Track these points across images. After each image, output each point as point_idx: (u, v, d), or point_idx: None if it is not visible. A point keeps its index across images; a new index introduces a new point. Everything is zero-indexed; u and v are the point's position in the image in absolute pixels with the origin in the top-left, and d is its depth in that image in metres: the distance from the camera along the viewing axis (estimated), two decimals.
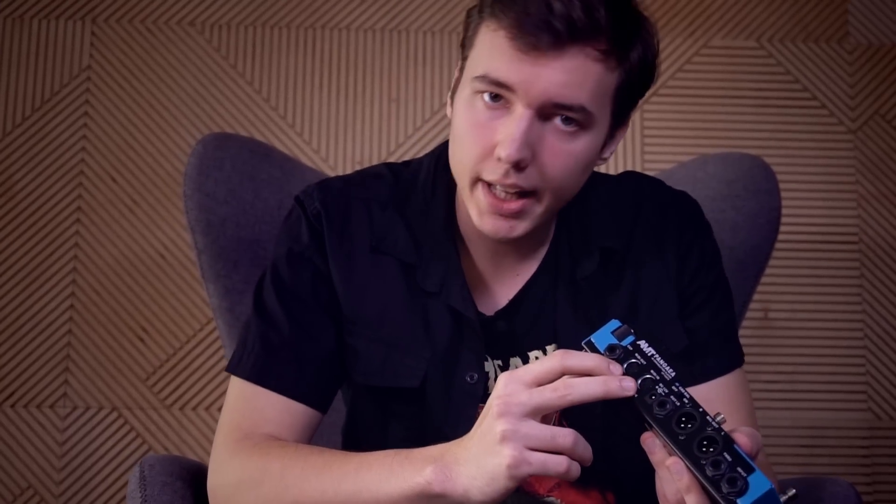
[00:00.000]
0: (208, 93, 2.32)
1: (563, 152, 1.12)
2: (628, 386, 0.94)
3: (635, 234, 1.29)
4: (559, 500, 1.26)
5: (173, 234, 2.25)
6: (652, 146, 2.36)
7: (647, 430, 0.98)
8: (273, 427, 1.18)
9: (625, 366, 0.96)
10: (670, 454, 0.92)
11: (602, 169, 1.33)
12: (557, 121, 1.11)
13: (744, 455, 0.87)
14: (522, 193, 1.12)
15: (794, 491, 0.87)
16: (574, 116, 1.10)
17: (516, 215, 1.13)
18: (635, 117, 2.36)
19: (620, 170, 2.28)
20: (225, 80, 2.32)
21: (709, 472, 0.87)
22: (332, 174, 1.78)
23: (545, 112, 1.10)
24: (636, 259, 1.27)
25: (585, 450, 0.96)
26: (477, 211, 1.15)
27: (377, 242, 1.26)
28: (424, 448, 1.03)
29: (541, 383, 0.96)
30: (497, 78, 1.09)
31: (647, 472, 1.22)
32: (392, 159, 2.30)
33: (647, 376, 0.94)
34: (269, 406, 1.18)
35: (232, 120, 2.30)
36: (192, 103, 2.31)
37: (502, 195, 1.12)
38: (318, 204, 1.27)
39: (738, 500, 0.84)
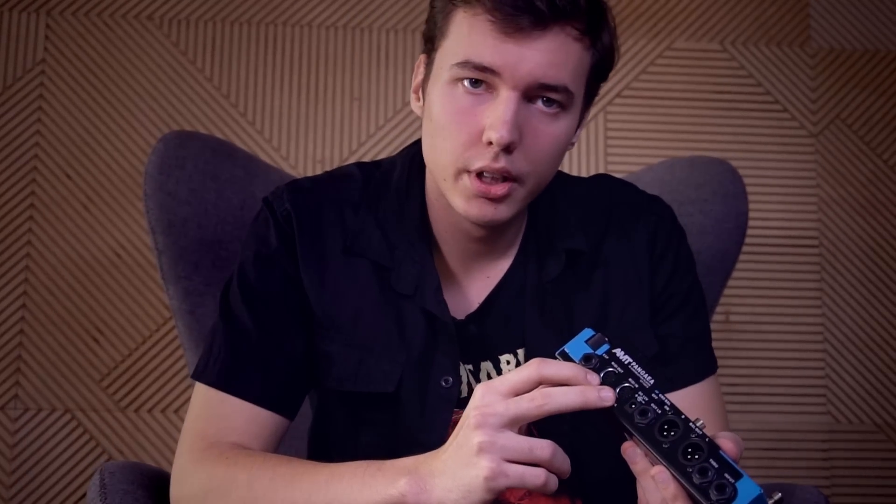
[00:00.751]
0: (167, 89, 2.27)
1: (547, 134, 1.11)
2: (607, 396, 0.92)
3: (606, 237, 1.27)
4: None
5: (129, 234, 2.20)
6: (615, 147, 2.35)
7: (625, 439, 0.97)
8: (239, 435, 1.15)
9: (602, 375, 0.94)
10: (654, 463, 0.91)
11: (565, 171, 1.32)
12: (540, 103, 1.10)
13: (730, 461, 0.86)
14: (507, 177, 1.11)
15: (779, 495, 0.86)
16: (557, 97, 1.10)
17: (501, 199, 1.12)
18: (598, 118, 2.36)
19: (583, 171, 2.28)
20: (184, 77, 2.28)
21: (696, 479, 0.85)
22: (293, 173, 1.75)
23: (529, 93, 1.09)
24: (607, 263, 1.26)
25: (563, 462, 0.94)
26: (463, 198, 1.13)
27: (350, 244, 1.23)
28: (397, 460, 1.01)
29: (517, 393, 0.94)
30: (481, 62, 1.08)
31: (615, 478, 1.21)
32: (354, 159, 2.28)
33: (626, 385, 0.93)
34: (235, 413, 1.15)
35: (191, 117, 2.26)
36: (150, 100, 2.26)
37: (489, 180, 1.10)
38: (289, 205, 1.24)
39: None
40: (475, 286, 1.25)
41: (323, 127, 2.29)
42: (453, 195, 1.14)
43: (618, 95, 2.37)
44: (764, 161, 2.36)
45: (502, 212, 1.13)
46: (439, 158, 1.14)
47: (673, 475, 0.87)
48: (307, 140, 2.28)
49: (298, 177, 1.80)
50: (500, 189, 1.11)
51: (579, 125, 1.19)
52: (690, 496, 0.87)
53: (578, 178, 1.35)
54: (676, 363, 1.24)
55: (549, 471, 0.93)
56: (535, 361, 0.95)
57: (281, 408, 1.18)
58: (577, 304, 1.24)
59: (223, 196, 1.59)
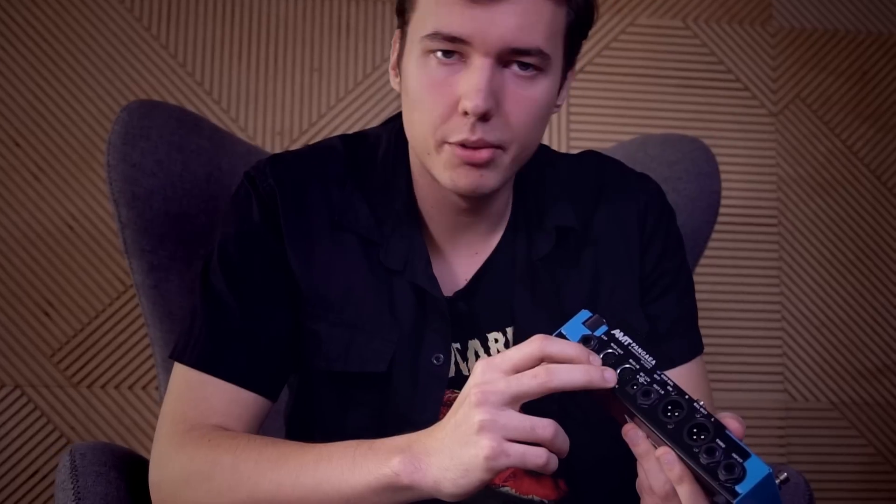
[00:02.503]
0: (122, 57, 2.20)
1: (525, 98, 1.09)
2: (610, 377, 0.91)
3: (596, 215, 1.26)
4: (513, 490, 1.23)
5: (82, 204, 2.14)
6: (577, 123, 2.33)
7: (619, 422, 0.95)
8: (221, 417, 1.11)
9: (601, 356, 0.93)
10: (657, 445, 0.89)
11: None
12: (515, 67, 1.08)
13: (737, 440, 0.85)
14: (489, 145, 1.08)
15: (785, 474, 0.86)
16: (531, 61, 1.08)
17: (486, 164, 1.09)
18: None
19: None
20: (139, 45, 2.21)
21: (703, 460, 0.84)
22: (252, 145, 1.71)
23: (503, 59, 1.07)
24: (597, 241, 1.24)
25: (564, 442, 0.93)
26: (447, 168, 1.10)
27: (338, 219, 1.20)
28: (388, 438, 0.99)
29: (519, 370, 0.92)
30: (450, 32, 1.05)
31: (600, 460, 1.20)
32: (313, 131, 2.23)
33: (627, 366, 0.92)
34: (216, 395, 1.12)
35: (146, 86, 2.19)
36: (104, 67, 2.19)
37: (471, 147, 1.08)
38: (272, 180, 1.20)
39: (737, 487, 0.82)
40: (463, 262, 1.23)
41: (282, 98, 2.24)
42: (437, 168, 1.11)
43: (580, 71, 2.35)
44: (724, 139, 2.36)
45: (488, 178, 1.10)
46: (418, 132, 1.11)
47: (679, 456, 0.86)
48: (266, 111, 2.23)
49: (263, 149, 1.76)
50: (483, 154, 1.08)
51: (562, 86, 1.17)
52: (697, 477, 0.86)
53: (566, 155, 1.33)
54: (666, 343, 1.23)
55: (550, 450, 0.92)
56: (537, 338, 0.93)
57: (264, 389, 1.14)
58: (566, 282, 1.22)
59: (189, 168, 1.55)
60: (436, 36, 1.06)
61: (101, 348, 2.10)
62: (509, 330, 1.22)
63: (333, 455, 0.99)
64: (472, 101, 1.04)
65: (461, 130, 1.07)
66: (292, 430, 1.30)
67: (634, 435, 0.91)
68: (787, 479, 0.86)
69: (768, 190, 2.37)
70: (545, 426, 0.91)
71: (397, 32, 1.17)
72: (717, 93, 2.40)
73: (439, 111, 1.08)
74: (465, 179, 1.10)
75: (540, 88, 1.10)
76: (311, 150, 1.26)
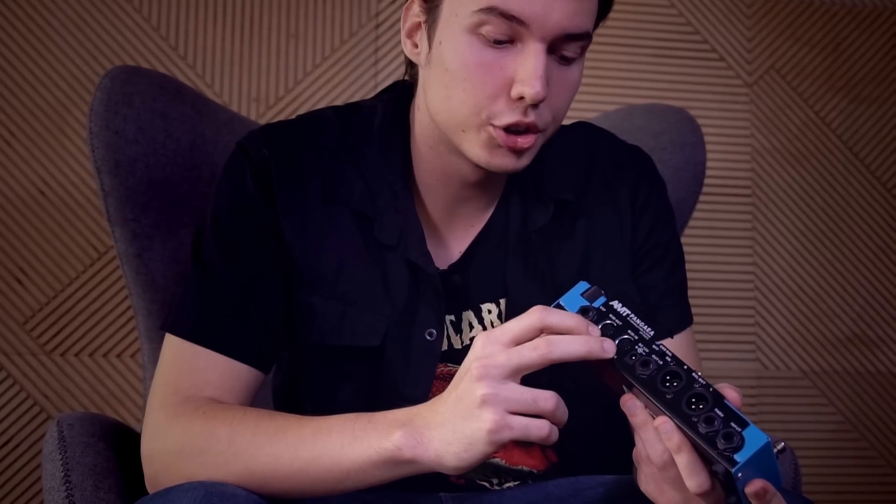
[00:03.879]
0: (94, 20, 2.15)
1: (567, 82, 1.09)
2: (609, 348, 0.91)
3: (589, 187, 1.26)
4: (503, 461, 1.24)
5: (54, 170, 2.10)
6: None
7: (615, 394, 0.95)
8: (214, 389, 1.10)
9: (599, 327, 0.93)
10: (656, 415, 0.89)
11: None
12: (561, 52, 1.07)
13: (735, 410, 0.85)
14: (533, 129, 1.08)
15: (783, 444, 0.86)
16: (578, 48, 1.08)
17: (525, 150, 1.09)
18: None
19: None
20: (111, 6, 2.16)
21: (702, 429, 0.84)
22: (234, 112, 1.68)
23: (554, 45, 1.06)
24: (589, 213, 1.24)
25: (564, 413, 0.93)
26: (485, 148, 1.09)
27: (332, 192, 1.19)
28: (388, 412, 0.98)
29: (518, 342, 0.92)
30: (508, 10, 1.03)
31: (590, 432, 1.21)
32: (290, 97, 2.21)
33: (625, 337, 0.92)
34: (210, 367, 1.11)
35: (120, 50, 2.15)
36: (75, 30, 2.14)
37: (514, 133, 1.08)
38: (266, 151, 1.18)
39: (735, 456, 0.82)
40: (457, 234, 1.23)
41: (258, 64, 2.21)
42: (472, 145, 1.10)
43: None
44: (699, 109, 2.37)
45: (523, 161, 1.11)
46: (457, 110, 1.09)
47: (678, 425, 0.86)
48: (241, 77, 2.20)
49: (245, 117, 1.74)
50: (527, 141, 1.08)
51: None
52: (696, 446, 0.86)
53: (560, 126, 1.33)
54: (657, 314, 1.24)
55: (552, 421, 0.92)
56: (536, 309, 0.92)
57: (257, 361, 1.13)
58: (559, 254, 1.22)
59: (172, 136, 1.53)
60: (492, 11, 1.03)
61: (74, 315, 2.07)
62: (502, 301, 1.22)
63: (333, 428, 0.99)
64: (533, 87, 1.03)
65: (513, 114, 1.06)
66: (280, 404, 1.29)
67: (632, 405, 0.91)
68: (783, 449, 0.86)
69: (743, 160, 2.38)
70: (547, 398, 0.91)
71: (413, 1, 1.15)
72: (693, 63, 2.40)
73: (488, 92, 1.06)
74: (500, 160, 1.10)
75: (577, 71, 1.10)
76: (303, 121, 1.25)
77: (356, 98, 2.20)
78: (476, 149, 1.10)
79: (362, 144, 1.21)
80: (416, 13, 1.15)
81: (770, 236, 2.38)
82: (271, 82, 2.21)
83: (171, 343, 1.13)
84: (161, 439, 1.06)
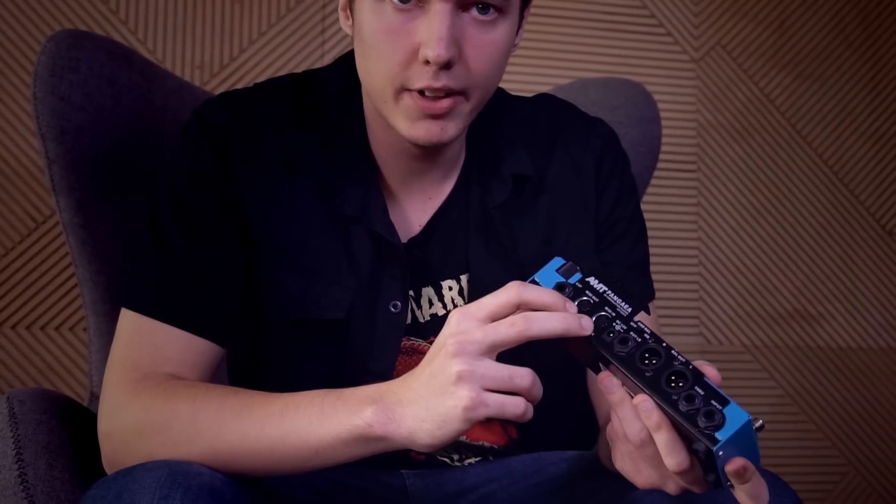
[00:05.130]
0: None
1: (486, 42, 1.06)
2: (587, 325, 0.89)
3: (551, 161, 1.24)
4: (464, 437, 1.22)
5: None
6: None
7: (585, 370, 0.94)
8: (175, 365, 1.07)
9: (576, 304, 0.92)
10: (634, 392, 0.88)
11: None
12: (474, 11, 1.04)
13: (715, 388, 0.84)
14: (451, 93, 1.05)
15: (761, 421, 0.85)
16: (493, 2, 1.04)
17: (446, 115, 1.06)
18: None
19: None
20: None
21: (682, 407, 0.83)
22: (183, 80, 1.64)
23: (462, 3, 1.03)
24: (553, 187, 1.23)
25: (539, 390, 0.91)
26: (406, 119, 1.07)
27: (293, 163, 1.15)
28: (357, 388, 0.96)
29: (495, 318, 0.90)
30: None
31: (551, 406, 1.19)
32: (235, 65, 2.16)
33: (602, 314, 0.90)
34: (169, 342, 1.07)
35: (56, 12, 2.08)
36: None
37: (431, 96, 1.05)
38: (224, 122, 1.15)
39: (717, 434, 0.81)
40: (416, 208, 1.20)
41: (202, 30, 2.16)
42: (396, 117, 1.08)
43: None
44: (648, 85, 2.35)
45: (449, 129, 1.08)
46: (374, 80, 1.07)
47: (657, 403, 0.85)
48: (185, 43, 2.15)
49: (192, 83, 1.70)
50: (444, 104, 1.05)
51: (519, 26, 1.14)
52: (675, 424, 0.85)
53: (521, 98, 1.31)
54: None
55: (528, 398, 0.90)
56: (513, 285, 0.90)
57: (218, 336, 1.10)
58: (521, 229, 1.21)
59: (120, 103, 1.48)
60: None
61: (9, 288, 2.01)
62: (463, 277, 1.20)
63: (301, 405, 0.96)
64: (434, 50, 1.01)
65: (423, 78, 1.03)
66: (238, 380, 1.26)
67: (609, 383, 0.90)
68: (762, 426, 0.86)
69: (689, 136, 2.39)
70: (523, 375, 0.89)
71: None
72: (641, 38, 2.40)
73: (398, 58, 1.04)
74: (424, 131, 1.07)
75: (500, 31, 1.07)
76: (261, 89, 1.21)
77: (303, 68, 2.17)
78: (400, 121, 1.08)
79: (319, 115, 1.19)
80: None
81: (714, 212, 2.39)
82: (216, 49, 2.16)
83: (128, 318, 1.09)
84: (120, 417, 1.03)
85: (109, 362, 1.08)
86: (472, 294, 1.19)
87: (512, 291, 0.90)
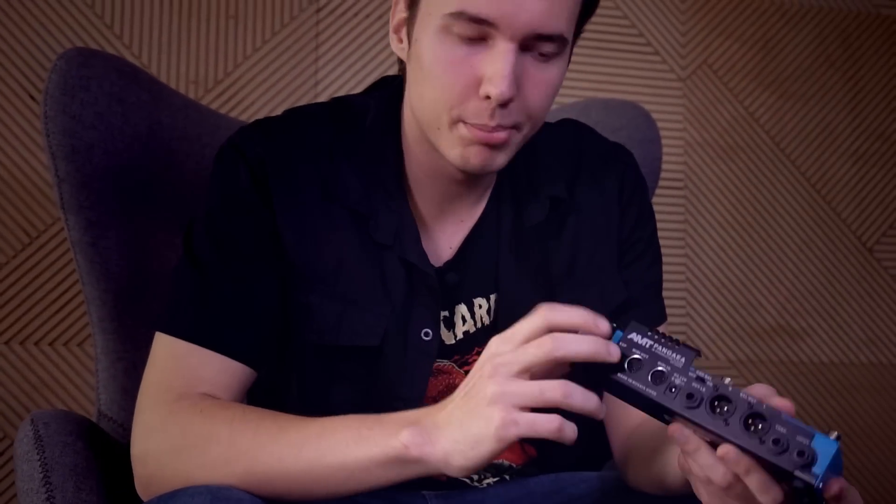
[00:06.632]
0: None
1: (543, 80, 1.08)
2: (615, 352, 0.90)
3: (577, 183, 1.27)
4: None
5: None
6: None
7: (665, 419, 0.92)
8: (208, 387, 1.07)
9: (626, 364, 0.91)
10: (711, 440, 0.87)
11: None
12: (535, 51, 1.07)
13: (796, 422, 0.84)
14: (505, 127, 1.08)
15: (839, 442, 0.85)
16: (552, 48, 1.07)
17: (500, 146, 1.09)
18: None
19: None
20: None
21: (771, 450, 0.83)
22: (188, 98, 1.64)
23: (525, 44, 1.05)
24: (578, 208, 1.26)
25: (580, 400, 0.89)
26: (459, 145, 1.09)
27: (329, 190, 1.17)
28: (394, 413, 0.97)
29: (529, 342, 0.91)
30: (476, 14, 1.02)
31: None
32: (229, 80, 2.16)
33: (658, 370, 0.89)
34: (204, 365, 1.08)
35: (50, 25, 2.07)
36: (2, 2, 2.05)
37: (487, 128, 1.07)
38: (261, 149, 1.16)
39: (814, 469, 0.81)
40: (449, 231, 1.22)
41: (196, 45, 2.16)
42: (447, 145, 1.09)
43: None
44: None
45: (499, 158, 1.10)
46: (429, 108, 1.09)
47: (744, 451, 0.84)
48: (179, 58, 2.15)
49: (197, 101, 1.70)
50: (501, 135, 1.08)
51: (569, 59, 1.16)
52: (766, 466, 0.84)
53: (546, 123, 1.33)
54: (635, 309, 1.25)
55: (571, 410, 0.89)
56: (543, 307, 0.91)
57: (252, 359, 1.11)
58: (551, 249, 1.23)
59: (130, 121, 1.48)
60: (460, 15, 1.03)
61: (4, 302, 2.00)
62: (493, 296, 1.22)
63: (338, 428, 0.97)
64: (498, 87, 1.03)
65: (480, 115, 1.06)
66: (257, 401, 1.26)
67: (682, 435, 0.89)
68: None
69: (676, 153, 2.42)
70: (553, 387, 0.88)
71: None
72: (629, 56, 2.43)
73: (458, 90, 1.06)
74: (476, 158, 1.09)
75: (556, 69, 1.09)
76: (294, 117, 1.23)
77: (297, 83, 2.17)
78: (450, 147, 1.09)
79: (355, 141, 1.20)
80: (401, 9, 1.14)
81: (701, 228, 2.43)
82: (210, 64, 2.16)
83: (163, 341, 1.10)
84: (156, 438, 1.03)
85: (143, 385, 1.08)
86: (501, 312, 1.21)
87: (539, 314, 0.91)
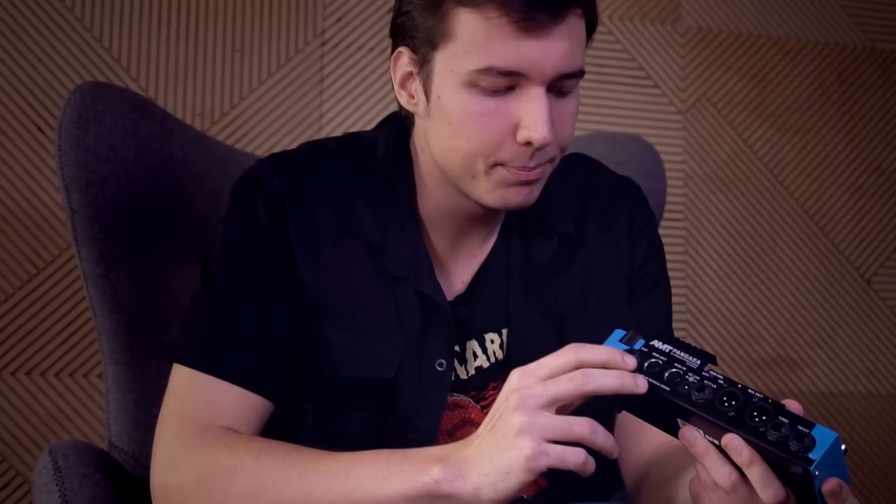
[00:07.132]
0: (31, 26, 2.09)
1: (567, 113, 1.12)
2: (641, 384, 0.92)
3: (586, 218, 1.29)
4: None
5: None
6: None
7: (675, 430, 0.96)
8: (229, 420, 1.08)
9: (646, 366, 0.95)
10: (719, 437, 0.90)
11: None
12: (558, 88, 1.10)
13: (798, 415, 0.87)
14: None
15: (844, 445, 0.87)
16: (573, 84, 1.10)
17: (538, 181, 1.13)
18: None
19: None
20: (50, 13, 2.11)
21: (771, 436, 0.86)
22: (199, 131, 1.66)
23: (553, 84, 1.08)
24: (588, 243, 1.27)
25: (604, 438, 0.92)
26: (498, 187, 1.11)
27: (344, 224, 1.18)
28: (423, 448, 0.98)
29: (553, 377, 0.93)
30: (506, 67, 1.05)
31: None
32: (235, 112, 2.18)
33: (673, 370, 0.93)
34: (223, 397, 1.09)
35: (58, 57, 2.09)
36: (11, 36, 2.07)
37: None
38: (278, 182, 1.17)
39: (810, 455, 0.84)
40: (461, 265, 1.24)
41: (202, 78, 2.18)
42: (484, 189, 1.12)
43: None
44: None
45: (535, 192, 1.14)
46: (461, 159, 1.11)
47: (746, 439, 0.87)
48: (185, 91, 2.17)
49: (206, 134, 1.72)
50: (539, 171, 1.11)
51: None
52: (766, 457, 0.87)
53: None
54: None
55: (593, 447, 0.92)
56: (572, 346, 0.94)
57: (270, 392, 1.12)
58: (561, 284, 1.25)
59: (143, 155, 1.49)
60: (490, 70, 1.05)
61: (10, 333, 2.01)
62: (504, 331, 1.23)
63: (366, 462, 0.98)
64: (540, 133, 1.05)
65: (519, 158, 1.09)
66: (269, 432, 1.27)
67: (691, 436, 0.92)
68: (846, 450, 0.89)
69: (677, 185, 2.44)
70: (582, 423, 0.91)
71: (404, 51, 1.14)
72: (630, 89, 2.46)
73: (494, 140, 1.08)
74: (517, 197, 1.12)
75: (575, 98, 1.13)
76: (310, 151, 1.24)
77: (302, 116, 2.19)
78: (489, 192, 1.12)
79: (367, 176, 1.22)
80: (405, 64, 1.15)
81: (701, 260, 2.45)
82: (216, 97, 2.19)
83: (182, 374, 1.11)
84: (179, 471, 1.04)
85: (163, 417, 1.09)
86: (512, 347, 1.22)
87: (570, 353, 0.93)
